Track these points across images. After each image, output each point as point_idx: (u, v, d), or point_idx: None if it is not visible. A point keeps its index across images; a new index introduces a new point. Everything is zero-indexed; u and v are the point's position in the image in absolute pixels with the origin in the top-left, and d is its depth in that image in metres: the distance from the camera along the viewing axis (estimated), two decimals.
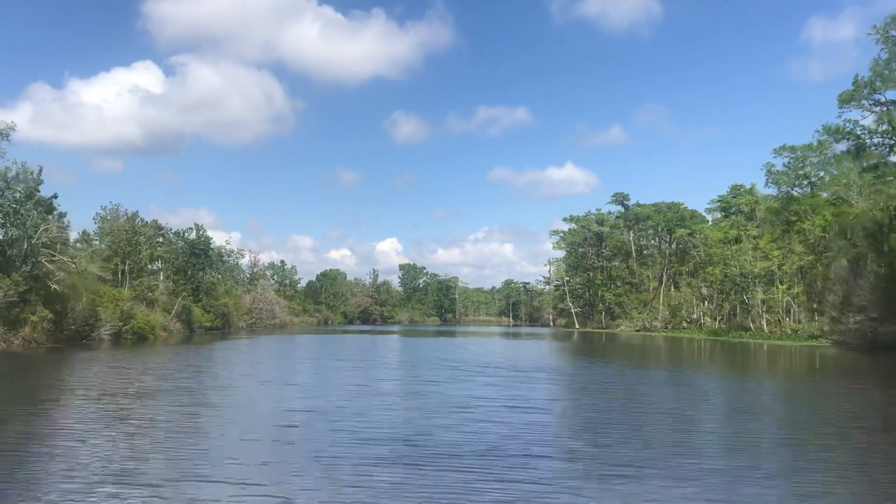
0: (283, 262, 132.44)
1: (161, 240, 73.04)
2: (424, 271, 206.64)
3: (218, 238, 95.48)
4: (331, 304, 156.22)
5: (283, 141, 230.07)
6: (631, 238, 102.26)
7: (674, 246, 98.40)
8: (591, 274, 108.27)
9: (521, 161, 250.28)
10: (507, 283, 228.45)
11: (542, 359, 42.27)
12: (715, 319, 78.76)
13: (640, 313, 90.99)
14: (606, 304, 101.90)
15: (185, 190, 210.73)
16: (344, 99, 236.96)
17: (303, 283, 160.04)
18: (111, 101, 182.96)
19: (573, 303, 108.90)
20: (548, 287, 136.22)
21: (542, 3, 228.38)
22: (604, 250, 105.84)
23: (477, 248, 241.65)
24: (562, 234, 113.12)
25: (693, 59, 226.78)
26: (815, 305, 59.07)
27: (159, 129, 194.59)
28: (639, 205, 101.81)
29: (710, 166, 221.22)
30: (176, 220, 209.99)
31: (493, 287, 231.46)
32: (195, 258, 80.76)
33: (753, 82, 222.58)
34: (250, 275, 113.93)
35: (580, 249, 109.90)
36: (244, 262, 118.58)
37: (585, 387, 25.95)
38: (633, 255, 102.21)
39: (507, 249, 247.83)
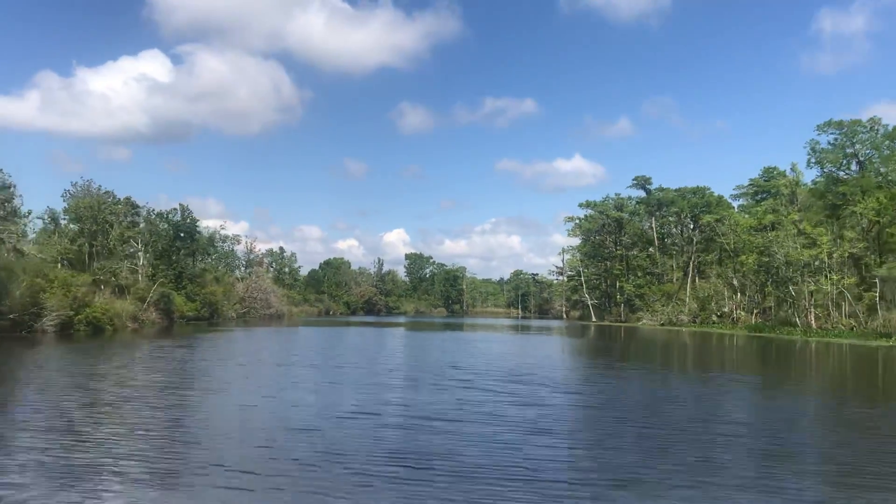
0: (282, 248, 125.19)
1: (140, 220, 65.53)
2: (431, 261, 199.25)
3: (224, 225, 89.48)
4: (334, 294, 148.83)
5: (290, 131, 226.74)
6: (653, 225, 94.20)
7: (698, 233, 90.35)
8: (608, 263, 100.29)
9: (528, 152, 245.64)
10: (517, 274, 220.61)
11: (563, 365, 34.28)
12: (751, 313, 70.74)
13: (663, 306, 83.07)
14: (625, 296, 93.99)
15: (192, 179, 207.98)
16: (350, 89, 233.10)
17: (305, 272, 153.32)
18: (118, 90, 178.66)
19: (589, 294, 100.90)
20: (560, 278, 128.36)
21: None
22: (623, 238, 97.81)
23: (484, 240, 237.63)
24: (577, 221, 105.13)
25: (701, 51, 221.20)
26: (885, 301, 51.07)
27: (167, 118, 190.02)
28: (661, 189, 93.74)
29: (719, 159, 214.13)
30: None
31: (502, 278, 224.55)
32: (180, 241, 73.30)
33: (762, 75, 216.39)
34: (246, 262, 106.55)
35: (597, 237, 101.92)
36: (241, 248, 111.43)
37: (623, 417, 18.15)
38: (656, 243, 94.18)
39: (514, 241, 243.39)
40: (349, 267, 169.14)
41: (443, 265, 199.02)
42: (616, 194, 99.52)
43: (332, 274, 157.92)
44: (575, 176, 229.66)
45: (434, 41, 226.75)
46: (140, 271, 61.95)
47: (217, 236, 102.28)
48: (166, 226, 71.45)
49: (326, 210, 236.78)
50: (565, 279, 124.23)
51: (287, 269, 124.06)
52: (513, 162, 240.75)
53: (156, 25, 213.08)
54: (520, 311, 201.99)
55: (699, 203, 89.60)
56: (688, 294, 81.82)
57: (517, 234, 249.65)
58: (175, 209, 74.43)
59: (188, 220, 74.56)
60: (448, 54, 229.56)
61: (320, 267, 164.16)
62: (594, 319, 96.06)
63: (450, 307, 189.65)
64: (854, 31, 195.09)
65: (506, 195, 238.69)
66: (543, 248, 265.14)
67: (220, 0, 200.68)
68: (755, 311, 70.54)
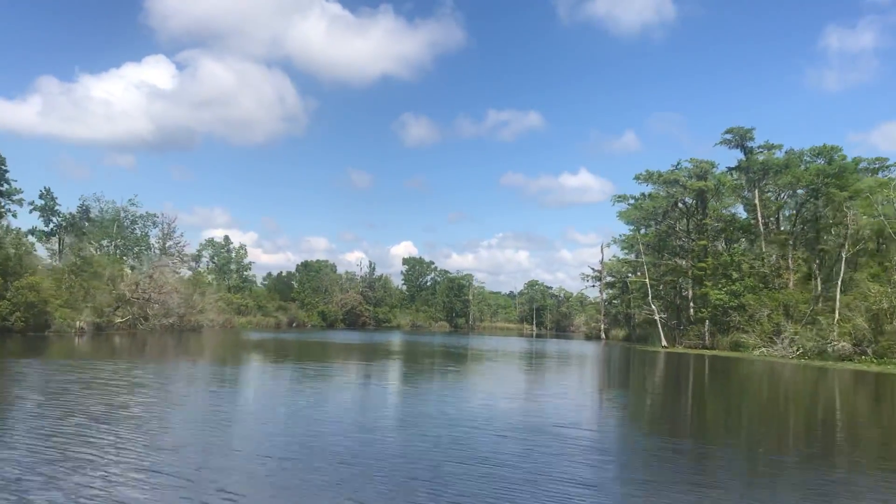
0: (227, 238, 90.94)
1: None
2: (433, 267, 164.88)
3: (134, 200, 56.39)
4: (306, 302, 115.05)
5: (295, 140, 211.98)
6: (757, 203, 59.79)
7: (830, 214, 56.27)
8: (680, 262, 66.08)
9: (533, 167, 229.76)
10: (531, 285, 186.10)
11: None
12: None
13: (796, 327, 48.68)
14: (713, 309, 59.70)
15: (198, 188, 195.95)
16: (353, 98, 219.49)
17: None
18: (121, 96, 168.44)
19: (656, 306, 65.50)
20: (596, 285, 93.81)
21: (549, 3, 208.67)
22: (706, 222, 63.28)
23: (491, 254, 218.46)
24: (631, 202, 70.84)
25: (706, 66, 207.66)
26: None
27: (170, 126, 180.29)
28: (770, 146, 59.55)
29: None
30: (192, 218, 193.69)
31: (511, 292, 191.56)
32: None
33: (769, 91, 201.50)
34: (160, 249, 73.06)
35: (661, 224, 67.72)
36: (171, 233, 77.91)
37: None
38: (760, 228, 59.71)
39: (522, 256, 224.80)
40: (334, 270, 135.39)
41: (446, 272, 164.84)
42: (690, 159, 64.92)
43: (310, 278, 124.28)
44: (581, 191, 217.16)
45: (436, 51, 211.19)
46: None
47: (122, 214, 69.32)
48: None
49: (333, 221, 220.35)
50: (603, 285, 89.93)
51: (234, 267, 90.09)
52: (518, 176, 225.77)
53: (152, 32, 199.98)
54: (534, 328, 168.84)
55: (830, 172, 55.55)
56: (837, 308, 47.49)
57: (525, 250, 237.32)
58: None
59: None
60: (450, 64, 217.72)
61: (297, 269, 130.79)
62: (663, 344, 61.35)
63: (453, 321, 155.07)
64: (861, 49, 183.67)
65: (512, 209, 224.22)
66: (551, 264, 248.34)
67: (218, 6, 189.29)
68: None
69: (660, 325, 61.43)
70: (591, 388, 27.51)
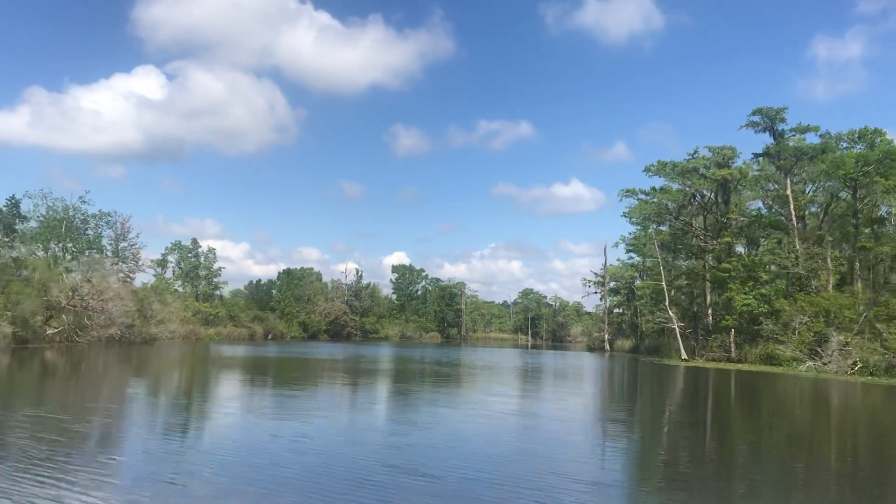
0: (195, 241, 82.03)
1: None
2: (423, 275, 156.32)
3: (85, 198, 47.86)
4: (286, 312, 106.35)
5: (286, 151, 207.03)
6: (790, 194, 51.68)
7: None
8: (698, 262, 57.93)
9: (525, 177, 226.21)
10: (525, 294, 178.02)
11: None
12: None
13: (847, 336, 40.51)
14: (738, 317, 51.57)
15: (189, 199, 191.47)
16: (343, 108, 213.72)
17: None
18: (111, 107, 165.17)
19: (672, 312, 56.85)
20: (598, 291, 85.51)
21: (536, 13, 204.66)
22: (731, 217, 55.03)
23: (484, 265, 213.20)
24: (640, 197, 62.74)
25: (695, 76, 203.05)
26: None
27: (160, 136, 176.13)
28: (805, 128, 51.55)
29: None
30: (183, 230, 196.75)
31: (505, 301, 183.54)
32: None
33: (757, 101, 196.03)
34: (113, 251, 64.35)
35: (676, 221, 59.57)
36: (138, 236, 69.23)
37: None
38: (794, 222, 51.54)
39: (514, 267, 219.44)
40: (319, 278, 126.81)
41: (438, 280, 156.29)
42: (705, 147, 56.74)
43: (291, 286, 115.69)
44: (573, 201, 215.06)
45: (426, 60, 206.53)
46: None
47: (72, 213, 60.99)
48: None
49: (325, 232, 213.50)
50: (607, 291, 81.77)
51: (202, 273, 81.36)
52: (510, 186, 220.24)
53: (141, 42, 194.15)
54: (529, 338, 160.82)
55: (871, 158, 47.65)
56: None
57: (518, 260, 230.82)
58: None
59: None
60: (441, 74, 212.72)
61: (278, 277, 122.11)
62: (683, 357, 52.91)
63: (445, 331, 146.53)
64: (849, 58, 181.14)
65: (504, 220, 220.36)
66: (544, 275, 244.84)
67: (205, 17, 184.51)
68: None
69: (679, 336, 53.05)
70: (614, 423, 19.25)
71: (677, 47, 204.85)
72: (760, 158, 54.60)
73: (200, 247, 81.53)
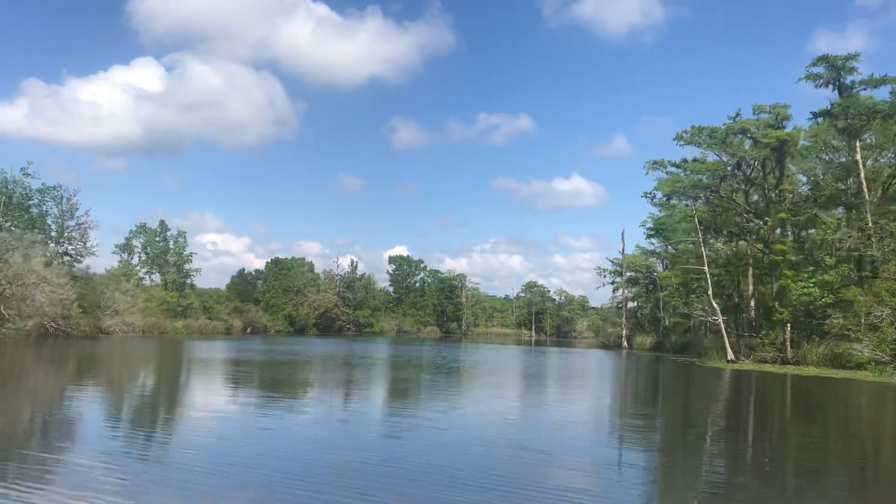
0: (163, 224, 72.06)
1: None
2: (422, 266, 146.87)
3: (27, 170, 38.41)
4: (272, 304, 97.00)
5: (286, 144, 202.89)
6: (859, 160, 41.91)
7: None
8: (740, 243, 48.40)
9: (525, 171, 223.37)
10: (529, 287, 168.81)
11: None
12: None
13: None
14: (793, 310, 42.13)
15: (189, 192, 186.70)
16: (342, 101, 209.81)
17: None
18: (109, 99, 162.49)
19: (716, 303, 46.57)
20: (615, 282, 76.00)
21: (535, 5, 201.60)
22: (787, 189, 45.21)
23: (484, 259, 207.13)
24: (670, 170, 53.13)
25: (694, 69, 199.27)
26: None
27: (159, 129, 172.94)
28: (882, 79, 41.79)
29: None
30: (183, 223, 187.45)
31: (507, 296, 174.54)
32: None
33: (758, 95, 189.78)
34: (57, 231, 54.84)
35: (713, 195, 49.94)
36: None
37: None
38: (865, 194, 41.81)
39: (515, 261, 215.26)
40: (311, 269, 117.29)
41: (437, 272, 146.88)
42: (754, 106, 47.13)
43: (280, 276, 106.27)
44: (573, 195, 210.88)
45: (425, 53, 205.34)
46: None
47: (11, 187, 51.87)
48: None
49: (325, 226, 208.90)
50: (624, 281, 72.24)
51: (172, 259, 71.63)
52: (509, 180, 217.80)
53: (136, 34, 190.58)
54: (533, 333, 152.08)
55: None
56: None
57: (518, 254, 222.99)
58: None
59: None
60: (440, 67, 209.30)
61: (266, 267, 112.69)
62: (729, 357, 43.10)
63: (444, 325, 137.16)
64: (851, 52, 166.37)
65: (504, 214, 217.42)
66: (545, 269, 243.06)
67: (201, 8, 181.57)
68: None
69: (724, 332, 43.34)
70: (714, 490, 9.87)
71: (677, 41, 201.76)
72: (819, 120, 44.88)
73: (170, 230, 72.09)
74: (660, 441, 14.64)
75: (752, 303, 50.53)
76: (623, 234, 70.78)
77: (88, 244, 53.54)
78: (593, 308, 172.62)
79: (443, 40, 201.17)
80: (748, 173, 47.00)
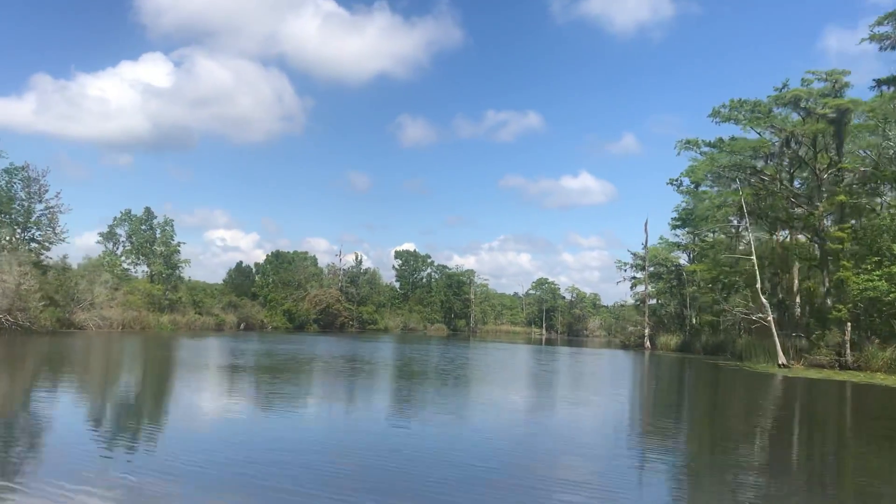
0: (149, 211, 66.00)
1: None
2: (429, 262, 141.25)
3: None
4: (270, 298, 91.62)
5: (294, 140, 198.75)
6: None
7: None
8: (787, 226, 42.43)
9: (533, 168, 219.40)
10: (539, 284, 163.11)
11: None
12: None
13: None
14: (852, 306, 36.16)
15: (198, 188, 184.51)
16: (349, 98, 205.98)
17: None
18: (117, 94, 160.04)
19: (765, 299, 40.10)
20: (635, 277, 70.05)
21: (542, 1, 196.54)
22: (848, 167, 38.89)
23: (492, 257, 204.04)
24: (704, 150, 47.13)
25: (704, 67, 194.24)
26: None
27: (168, 124, 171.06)
28: None
29: None
30: (192, 219, 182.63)
31: (516, 293, 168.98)
32: None
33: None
34: (22, 216, 49.45)
35: (757, 176, 43.87)
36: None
37: None
38: None
39: (523, 259, 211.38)
40: (314, 263, 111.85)
41: (444, 267, 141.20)
42: (811, 72, 40.99)
43: (280, 270, 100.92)
44: (582, 193, 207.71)
45: (433, 49, 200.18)
46: None
47: None
48: None
49: (334, 223, 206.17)
50: (645, 276, 66.28)
51: (160, 250, 66.11)
52: (517, 178, 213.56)
53: (144, 29, 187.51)
54: (544, 331, 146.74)
55: None
56: None
57: (526, 252, 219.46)
58: None
59: None
60: (448, 63, 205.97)
61: (266, 260, 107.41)
62: (781, 362, 36.90)
63: (451, 323, 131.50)
64: (861, 50, 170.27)
65: (512, 212, 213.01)
66: (553, 268, 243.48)
67: (209, 3, 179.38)
68: None
69: (776, 333, 37.26)
70: None
71: (686, 38, 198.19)
72: (883, 90, 38.75)
73: (156, 217, 66.51)
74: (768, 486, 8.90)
75: (797, 299, 44.63)
76: (646, 224, 64.35)
77: (58, 230, 48.21)
78: (605, 306, 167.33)
79: (450, 37, 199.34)
80: (798, 151, 40.88)
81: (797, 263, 43.83)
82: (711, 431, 16.14)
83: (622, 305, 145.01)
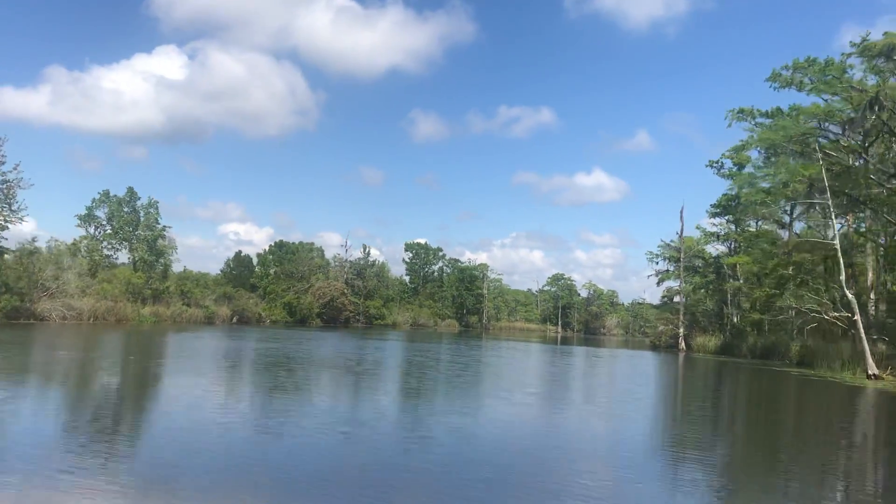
0: (132, 191, 59.56)
1: None
2: (440, 255, 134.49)
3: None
4: (269, 290, 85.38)
5: (307, 134, 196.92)
6: None
7: None
8: (875, 215, 35.48)
9: (546, 165, 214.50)
10: (555, 280, 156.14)
11: None
12: None
13: None
14: None
15: (212, 181, 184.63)
16: (361, 92, 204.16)
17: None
18: (131, 87, 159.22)
19: (851, 295, 32.84)
20: (667, 271, 62.93)
21: None
22: None
23: (505, 253, 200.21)
24: (760, 120, 40.03)
25: (718, 64, 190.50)
26: None
27: (182, 117, 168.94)
28: None
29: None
30: (206, 212, 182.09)
31: (530, 289, 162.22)
32: None
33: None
34: None
35: (832, 146, 36.83)
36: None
37: None
38: None
39: (536, 256, 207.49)
40: (321, 255, 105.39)
41: (456, 261, 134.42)
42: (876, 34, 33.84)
43: (283, 261, 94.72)
44: (595, 190, 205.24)
45: (446, 44, 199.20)
46: None
47: None
48: None
49: (346, 218, 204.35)
50: (680, 269, 59.16)
51: (142, 234, 59.88)
52: (530, 174, 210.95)
53: (157, 22, 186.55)
54: (559, 329, 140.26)
55: None
56: None
57: (539, 249, 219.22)
58: None
59: None
60: (460, 58, 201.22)
61: (269, 250, 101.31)
62: (871, 373, 29.63)
63: (463, 319, 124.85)
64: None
65: (525, 208, 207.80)
66: (566, 265, 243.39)
67: None
68: None
69: (864, 337, 30.19)
70: None
71: (700, 34, 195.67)
72: None
73: (140, 199, 60.19)
74: None
75: (872, 295, 37.51)
76: (682, 211, 57.71)
77: (15, 207, 42.05)
78: (622, 304, 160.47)
79: (463, 31, 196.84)
80: (884, 119, 33.67)
81: (874, 254, 36.71)
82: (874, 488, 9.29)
83: (640, 303, 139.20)
